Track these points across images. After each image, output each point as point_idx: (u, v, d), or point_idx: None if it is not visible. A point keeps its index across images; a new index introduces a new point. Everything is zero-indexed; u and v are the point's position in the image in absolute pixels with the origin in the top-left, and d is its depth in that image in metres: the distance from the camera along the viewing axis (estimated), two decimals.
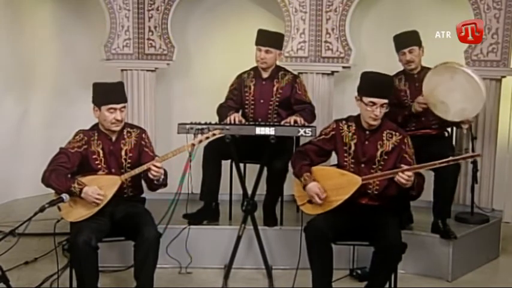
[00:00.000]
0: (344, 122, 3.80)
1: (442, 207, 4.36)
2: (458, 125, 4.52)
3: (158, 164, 3.61)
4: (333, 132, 3.79)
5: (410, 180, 3.48)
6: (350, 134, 3.74)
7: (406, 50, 4.53)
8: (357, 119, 3.77)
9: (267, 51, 4.46)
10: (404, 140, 3.69)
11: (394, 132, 3.71)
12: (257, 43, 4.49)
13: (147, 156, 3.78)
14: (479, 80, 4.27)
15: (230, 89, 4.66)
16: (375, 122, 3.66)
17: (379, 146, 3.68)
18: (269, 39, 4.49)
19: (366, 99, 3.62)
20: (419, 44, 4.53)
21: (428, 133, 4.53)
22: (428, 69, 4.47)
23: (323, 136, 3.83)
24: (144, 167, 3.63)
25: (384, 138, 3.69)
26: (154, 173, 3.61)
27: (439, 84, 4.33)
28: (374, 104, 3.61)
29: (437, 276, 4.31)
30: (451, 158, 3.56)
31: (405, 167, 3.51)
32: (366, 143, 3.70)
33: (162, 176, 3.69)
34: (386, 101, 3.63)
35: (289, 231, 4.35)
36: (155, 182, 3.69)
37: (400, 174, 3.47)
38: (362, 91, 3.67)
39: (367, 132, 3.71)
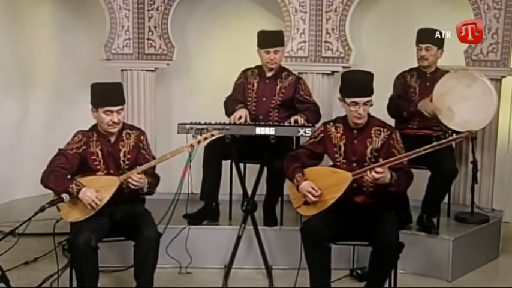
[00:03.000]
0: (332, 123, 3.82)
1: (431, 205, 4.40)
2: (458, 134, 4.50)
3: (137, 176, 3.58)
4: (322, 135, 3.80)
5: (382, 176, 3.48)
6: (338, 135, 3.75)
7: (423, 46, 4.53)
8: (344, 119, 3.78)
9: (275, 52, 4.47)
10: (393, 136, 3.70)
11: (382, 129, 3.72)
12: (263, 46, 4.47)
13: (143, 158, 3.77)
14: (495, 96, 4.27)
15: (236, 83, 4.67)
16: (360, 121, 3.68)
17: (368, 144, 3.69)
18: (275, 40, 4.48)
19: (348, 100, 3.64)
20: (438, 45, 4.51)
21: (429, 134, 4.53)
22: (444, 71, 4.47)
23: (313, 139, 3.85)
24: (143, 167, 3.62)
25: (373, 135, 3.70)
26: (135, 183, 3.59)
27: (453, 89, 4.33)
28: (356, 103, 3.62)
29: (437, 276, 4.31)
30: (435, 143, 3.55)
31: (385, 161, 3.52)
32: (355, 142, 3.71)
33: (146, 185, 3.66)
34: (368, 98, 3.64)
35: (289, 231, 4.35)
36: (139, 191, 3.69)
37: (369, 171, 3.49)
38: (343, 92, 3.70)
39: (355, 131, 3.73)
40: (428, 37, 4.50)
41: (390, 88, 4.71)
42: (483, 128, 4.87)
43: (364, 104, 3.62)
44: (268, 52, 4.47)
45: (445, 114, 4.37)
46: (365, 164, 3.65)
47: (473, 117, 4.32)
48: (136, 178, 3.58)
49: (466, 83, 4.33)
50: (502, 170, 5.27)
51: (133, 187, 3.61)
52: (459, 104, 4.33)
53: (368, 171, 3.50)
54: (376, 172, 3.47)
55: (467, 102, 4.33)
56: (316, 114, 4.50)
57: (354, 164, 3.69)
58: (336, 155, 3.74)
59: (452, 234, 4.38)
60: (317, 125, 4.31)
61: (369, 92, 3.66)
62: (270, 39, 4.48)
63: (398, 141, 3.70)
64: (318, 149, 3.82)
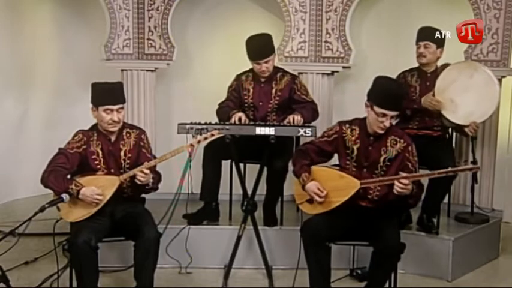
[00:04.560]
0: (348, 125, 3.73)
1: (431, 206, 4.41)
2: (461, 129, 4.50)
3: (145, 171, 3.58)
4: (335, 135, 3.74)
5: (406, 189, 3.43)
6: (353, 138, 3.68)
7: (421, 43, 4.53)
8: (362, 122, 3.69)
9: (266, 62, 4.43)
10: (409, 148, 3.64)
11: (399, 139, 3.65)
12: (253, 58, 4.44)
13: (144, 157, 3.77)
14: (498, 86, 4.28)
15: (229, 90, 4.65)
16: (382, 131, 3.61)
17: (382, 152, 3.63)
18: (263, 49, 4.43)
19: (378, 110, 3.53)
20: (438, 43, 4.50)
21: (429, 134, 4.54)
22: (444, 66, 4.47)
23: (325, 138, 3.78)
24: (143, 166, 3.61)
25: (388, 144, 3.64)
26: (141, 179, 3.59)
27: (456, 81, 4.34)
28: (385, 115, 3.54)
29: (437, 276, 4.31)
30: (450, 169, 3.51)
31: (403, 174, 3.47)
32: (370, 148, 3.65)
33: (151, 180, 3.67)
34: (397, 112, 3.60)
35: (289, 231, 4.36)
36: (145, 187, 3.69)
37: (396, 182, 3.43)
38: (374, 99, 3.56)
39: (371, 138, 3.66)
40: (427, 35, 4.51)
41: None
42: (483, 128, 4.89)
43: (392, 117, 3.57)
44: (259, 63, 4.44)
45: (448, 107, 4.37)
46: (376, 171, 3.63)
47: (476, 108, 4.33)
48: (142, 175, 3.58)
49: (468, 73, 4.34)
50: (502, 170, 5.27)
51: (139, 182, 3.60)
52: (462, 95, 4.34)
53: (396, 181, 3.43)
54: (402, 183, 3.41)
55: (469, 92, 4.34)
56: (313, 112, 4.49)
57: (364, 170, 3.65)
58: (347, 158, 3.69)
59: (452, 234, 4.38)
60: (316, 123, 4.31)
61: (400, 106, 3.61)
62: (258, 51, 4.42)
63: (413, 155, 3.64)
64: (328, 148, 3.77)
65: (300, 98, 4.52)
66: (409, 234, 4.29)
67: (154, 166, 3.75)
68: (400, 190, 3.43)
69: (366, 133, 3.67)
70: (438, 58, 4.57)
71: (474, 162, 4.56)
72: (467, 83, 4.34)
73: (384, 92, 3.57)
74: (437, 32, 4.49)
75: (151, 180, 3.67)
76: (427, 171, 3.80)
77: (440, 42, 4.51)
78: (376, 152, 3.65)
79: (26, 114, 6.02)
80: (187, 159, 3.72)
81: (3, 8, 5.71)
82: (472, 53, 4.87)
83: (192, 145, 3.67)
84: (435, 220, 4.43)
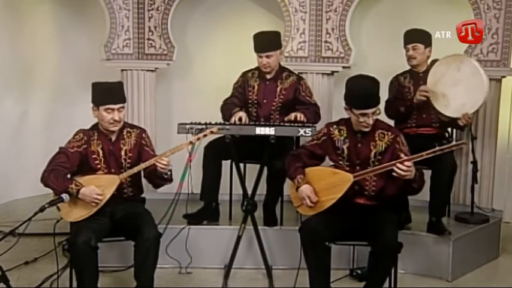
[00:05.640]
0: (335, 126, 3.77)
1: (437, 205, 4.38)
2: (455, 123, 4.50)
3: (165, 160, 3.60)
4: (324, 137, 3.77)
5: (410, 171, 3.44)
6: (342, 138, 3.72)
7: (409, 46, 4.57)
8: (348, 121, 3.73)
9: (268, 56, 4.46)
10: (397, 139, 3.66)
11: (386, 132, 3.68)
12: (256, 50, 4.47)
13: (148, 155, 3.77)
14: (484, 75, 4.30)
15: (235, 86, 4.66)
16: (368, 129, 3.64)
17: (372, 147, 3.66)
18: (267, 43, 4.45)
19: (357, 112, 3.58)
20: (425, 43, 4.54)
21: (428, 132, 4.54)
22: (433, 62, 4.49)
23: (315, 141, 3.82)
24: (143, 165, 3.63)
25: (377, 138, 3.66)
26: (163, 166, 3.59)
27: (444, 75, 4.37)
28: (365, 114, 3.57)
29: (437, 276, 4.31)
30: (437, 148, 3.50)
31: (393, 162, 3.49)
32: (359, 145, 3.68)
33: (170, 170, 3.68)
34: (376, 108, 3.60)
35: (289, 231, 4.35)
36: (164, 175, 3.68)
37: (398, 165, 3.44)
38: (350, 103, 3.62)
39: (359, 134, 3.69)
40: (413, 37, 4.55)
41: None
42: (483, 128, 4.88)
43: (373, 113, 3.59)
44: (261, 57, 4.46)
45: (441, 102, 4.39)
46: (368, 167, 3.63)
47: (467, 99, 4.35)
48: (164, 162, 3.59)
49: (455, 66, 4.37)
50: (502, 170, 5.27)
51: (162, 166, 3.60)
52: (452, 89, 4.37)
53: (397, 167, 3.45)
54: (405, 165, 3.41)
55: (459, 85, 4.36)
56: (316, 115, 4.49)
57: (358, 167, 3.66)
58: (339, 158, 3.71)
59: (452, 234, 4.36)
60: (318, 125, 4.31)
61: (377, 101, 3.62)
62: (261, 44, 4.45)
63: (403, 144, 3.66)
64: (318, 151, 3.79)
65: (305, 99, 4.53)
66: (409, 234, 4.29)
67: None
68: (403, 173, 3.43)
69: (353, 131, 3.71)
70: (428, 57, 4.60)
71: (474, 162, 4.58)
72: (456, 76, 4.37)
73: (357, 93, 3.61)
74: (423, 32, 4.53)
75: (170, 169, 3.67)
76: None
77: (428, 42, 4.55)
78: (366, 148, 3.67)
79: (26, 114, 6.02)
80: (182, 175, 3.72)
81: (3, 8, 5.71)
82: (472, 53, 4.87)
83: (191, 142, 3.67)
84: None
